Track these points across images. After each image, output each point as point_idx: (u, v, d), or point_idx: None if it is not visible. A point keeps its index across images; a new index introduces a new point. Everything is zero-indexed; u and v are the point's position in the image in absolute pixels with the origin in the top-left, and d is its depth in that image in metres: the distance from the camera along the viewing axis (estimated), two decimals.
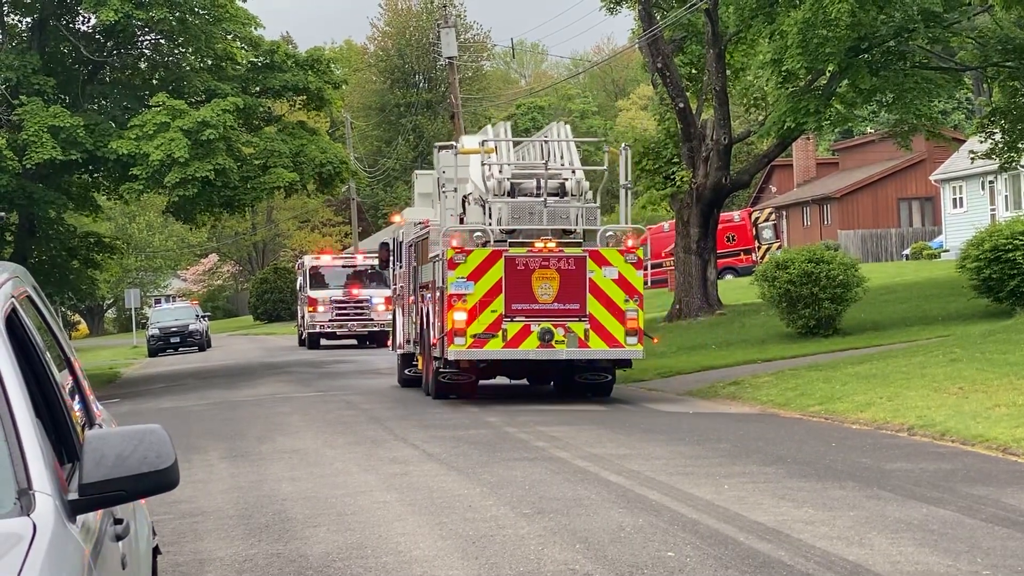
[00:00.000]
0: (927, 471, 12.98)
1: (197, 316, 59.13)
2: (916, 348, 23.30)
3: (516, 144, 25.82)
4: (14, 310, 4.41)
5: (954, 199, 56.11)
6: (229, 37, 37.55)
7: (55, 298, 43.28)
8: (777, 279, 28.69)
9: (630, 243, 22.07)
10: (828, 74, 33.54)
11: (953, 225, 54.66)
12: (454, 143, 25.16)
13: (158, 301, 75.45)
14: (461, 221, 23.10)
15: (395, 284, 30.27)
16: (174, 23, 36.11)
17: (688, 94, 38.44)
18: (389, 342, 32.50)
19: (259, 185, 36.25)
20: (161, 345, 56.91)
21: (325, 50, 43.51)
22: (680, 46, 39.68)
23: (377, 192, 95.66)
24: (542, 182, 22.39)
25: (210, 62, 37.41)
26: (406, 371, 27.19)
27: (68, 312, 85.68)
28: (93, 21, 37.02)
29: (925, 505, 11.02)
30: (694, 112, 37.95)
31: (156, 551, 6.21)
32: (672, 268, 44.29)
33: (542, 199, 22.25)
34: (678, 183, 37.09)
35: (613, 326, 21.54)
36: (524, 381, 25.02)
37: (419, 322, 25.16)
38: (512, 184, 22.63)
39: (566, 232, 22.28)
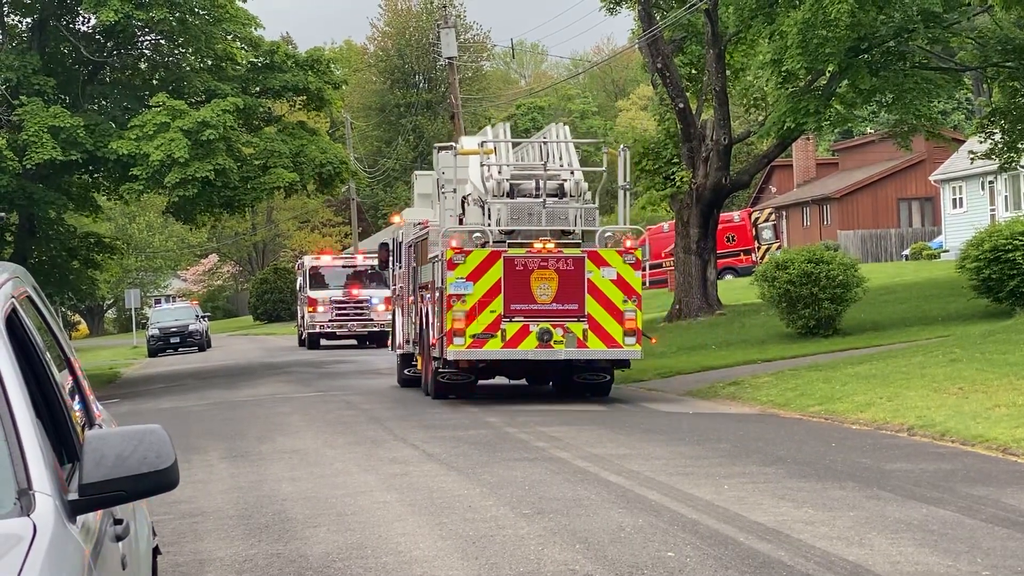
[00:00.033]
0: (927, 471, 12.98)
1: (197, 316, 59.13)
2: (916, 348, 23.30)
3: (515, 145, 25.85)
4: (14, 310, 4.41)
5: (954, 199, 56.12)
6: (229, 37, 37.55)
7: (55, 298, 43.28)
8: (777, 279, 28.69)
9: (628, 244, 22.13)
10: (828, 74, 33.54)
11: (953, 225, 54.67)
12: (454, 144, 25.18)
13: (158, 301, 75.41)
14: (460, 222, 23.14)
15: (395, 284, 30.29)
16: (174, 23, 36.11)
17: (688, 94, 38.44)
18: (389, 342, 32.52)
19: (259, 185, 36.26)
20: (161, 345, 56.90)
21: (325, 50, 43.52)
22: (680, 46, 39.68)
23: (377, 192, 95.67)
24: (541, 183, 22.43)
25: (210, 62, 37.41)
26: (405, 371, 27.22)
27: (68, 312, 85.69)
28: (93, 21, 37.03)
29: (925, 505, 11.02)
30: (694, 112, 37.95)
31: (156, 551, 6.21)
32: (672, 268, 44.30)
33: (541, 200, 22.28)
34: (678, 183, 37.09)
35: (612, 326, 21.57)
36: (523, 381, 25.04)
37: (418, 322, 25.19)
38: (511, 185, 22.68)
39: (565, 233, 22.30)
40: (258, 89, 38.03)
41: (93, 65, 37.36)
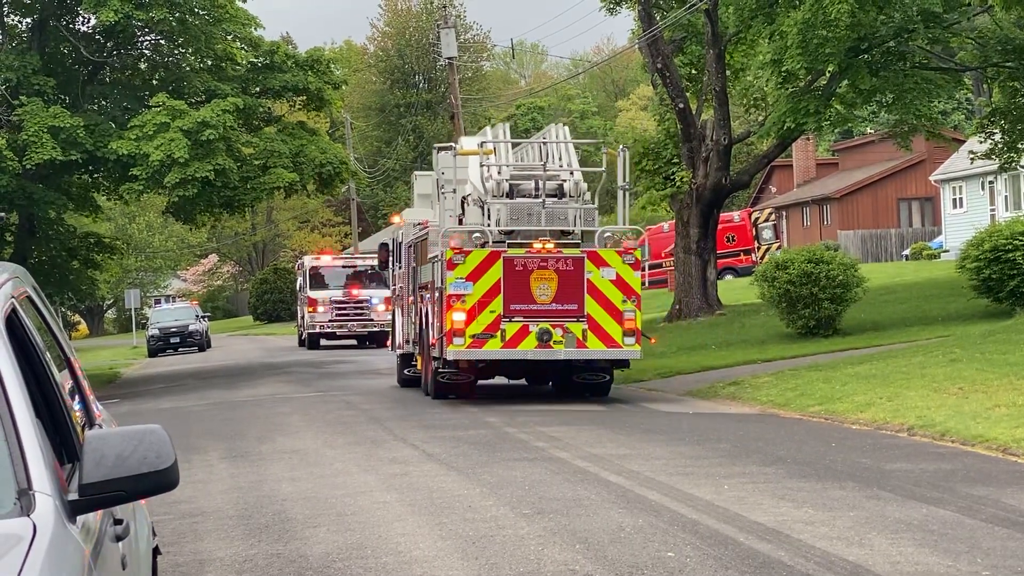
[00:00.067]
0: (927, 471, 12.98)
1: (197, 316, 59.13)
2: (916, 348, 23.30)
3: (515, 146, 25.87)
4: (14, 310, 4.41)
5: (954, 199, 56.12)
6: (229, 37, 37.56)
7: (55, 298, 43.28)
8: (777, 279, 28.69)
9: (628, 244, 22.14)
10: (828, 74, 33.54)
11: (953, 225, 54.67)
12: (453, 144, 25.20)
13: (158, 301, 75.43)
14: (460, 222, 23.16)
15: (394, 285, 30.31)
16: (174, 23, 36.11)
17: (688, 94, 38.44)
18: (388, 342, 32.53)
19: (259, 185, 36.26)
20: (161, 345, 56.90)
21: (325, 50, 43.52)
22: (680, 46, 39.67)
23: (377, 192, 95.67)
24: (540, 183, 22.44)
25: (210, 62, 37.42)
26: (405, 371, 27.24)
27: (68, 312, 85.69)
28: (93, 21, 37.04)
29: (925, 505, 11.02)
30: (694, 112, 37.95)
31: (156, 551, 6.21)
32: (672, 268, 44.29)
33: (540, 200, 22.29)
34: (678, 183, 37.09)
35: (611, 326, 21.59)
36: (522, 381, 25.05)
37: (418, 322, 25.20)
38: (511, 185, 22.70)
39: (564, 233, 22.32)
40: (258, 89, 38.04)
41: (93, 65, 37.36)
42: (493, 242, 22.03)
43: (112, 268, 51.79)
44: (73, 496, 3.86)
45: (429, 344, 23.67)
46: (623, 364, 22.53)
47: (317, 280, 50.19)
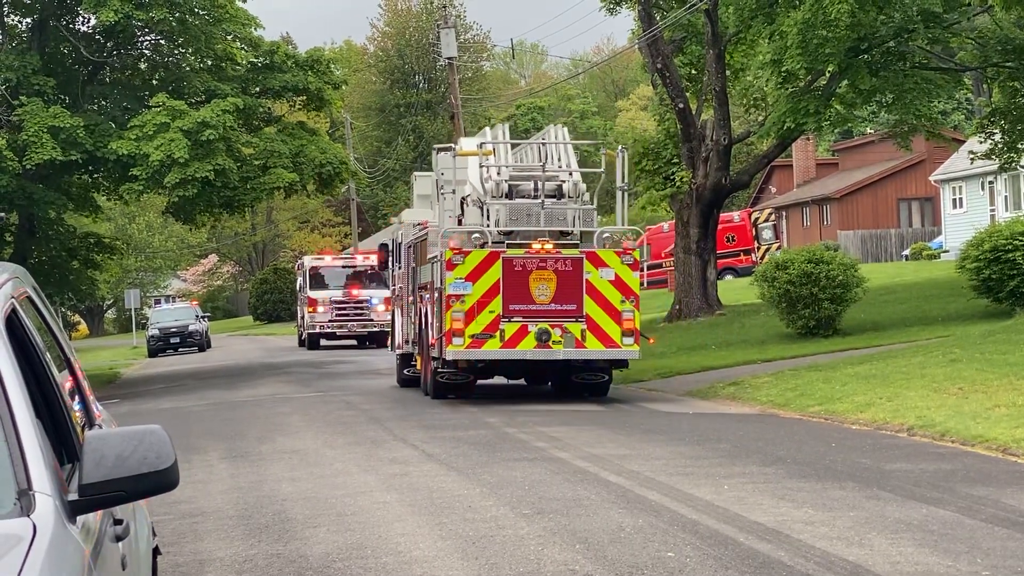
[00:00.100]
0: (927, 471, 12.98)
1: (197, 317, 59.13)
2: (916, 348, 23.30)
3: (514, 146, 25.90)
4: (14, 310, 4.41)
5: (954, 199, 56.12)
6: (229, 38, 37.55)
7: (55, 299, 43.28)
8: (777, 279, 28.69)
9: (626, 245, 22.17)
10: (828, 74, 33.54)
11: (953, 225, 54.66)
12: (453, 145, 25.23)
13: (158, 301, 75.46)
14: (459, 223, 23.18)
15: (394, 285, 30.34)
16: (174, 24, 36.11)
17: (688, 94, 38.44)
18: (388, 342, 32.56)
19: (259, 185, 36.26)
20: (161, 345, 56.90)
21: (325, 50, 43.53)
22: (680, 46, 39.67)
23: (377, 193, 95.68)
24: (539, 184, 22.48)
25: (210, 63, 37.42)
26: (405, 371, 27.28)
27: (68, 312, 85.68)
28: (93, 21, 37.04)
29: (925, 506, 11.02)
30: (694, 112, 37.95)
31: (156, 552, 6.21)
32: (672, 268, 44.29)
33: (539, 201, 22.32)
34: (678, 183, 37.09)
35: (610, 327, 21.62)
36: (521, 381, 25.07)
37: (418, 322, 25.24)
38: (510, 186, 22.74)
39: (563, 234, 22.35)
40: (258, 89, 38.04)
41: (93, 65, 37.36)
42: (492, 243, 22.05)
43: (112, 268, 51.78)
44: (73, 496, 3.86)
45: (428, 344, 23.70)
46: (622, 364, 22.56)
47: (317, 280, 50.20)
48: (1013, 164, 35.75)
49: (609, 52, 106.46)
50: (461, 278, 21.63)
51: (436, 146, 25.88)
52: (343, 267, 51.58)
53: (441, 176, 23.99)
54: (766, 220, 64.32)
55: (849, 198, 65.70)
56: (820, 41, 29.89)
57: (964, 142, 50.89)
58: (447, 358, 21.98)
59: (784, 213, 69.38)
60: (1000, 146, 34.58)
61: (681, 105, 37.23)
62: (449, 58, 50.20)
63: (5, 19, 37.37)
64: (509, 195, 22.63)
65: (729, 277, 55.58)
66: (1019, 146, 34.16)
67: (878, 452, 14.58)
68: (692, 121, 37.39)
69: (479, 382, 23.59)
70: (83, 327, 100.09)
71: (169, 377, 39.31)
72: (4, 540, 3.46)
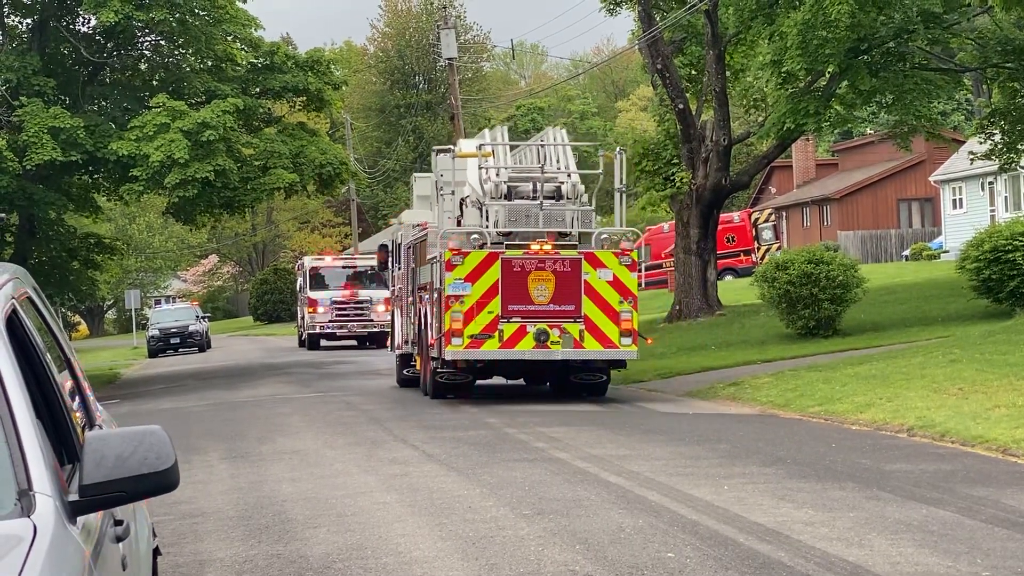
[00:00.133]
0: (927, 472, 12.98)
1: (197, 317, 59.15)
2: (916, 349, 23.30)
3: (513, 148, 25.96)
4: (14, 311, 4.42)
5: (954, 200, 56.12)
6: (229, 38, 37.56)
7: (55, 299, 43.28)
8: (777, 280, 28.70)
9: (624, 246, 22.21)
10: (828, 75, 33.54)
11: (953, 226, 54.66)
12: (452, 146, 25.26)
13: (158, 302, 75.49)
14: (459, 224, 23.23)
15: (394, 285, 30.39)
16: (174, 24, 36.12)
17: (688, 95, 38.44)
18: (388, 343, 32.60)
19: (259, 186, 36.26)
20: (161, 346, 56.91)
21: (325, 51, 43.53)
22: (680, 47, 39.68)
23: (377, 193, 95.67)
24: (538, 185, 22.55)
25: (210, 63, 37.42)
26: (404, 371, 27.33)
27: (68, 313, 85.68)
28: (93, 22, 37.04)
29: (925, 506, 11.02)
30: (694, 113, 37.95)
31: (156, 552, 6.21)
32: (672, 269, 44.29)
33: (538, 202, 22.37)
34: (678, 184, 37.09)
35: (608, 327, 21.67)
36: (520, 381, 25.10)
37: (417, 323, 25.28)
38: (509, 187, 22.81)
39: (562, 235, 22.40)
40: (258, 90, 38.05)
41: (93, 66, 37.37)
42: (491, 243, 22.11)
43: (112, 269, 51.79)
44: (73, 497, 3.86)
45: (428, 344, 23.75)
46: (620, 364, 22.61)
47: (317, 281, 50.22)
48: (1013, 164, 35.74)
49: (609, 53, 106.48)
50: (460, 279, 21.67)
51: (435, 147, 25.92)
52: (343, 267, 51.61)
53: (440, 177, 24.03)
54: (766, 220, 64.33)
55: (849, 198, 65.70)
56: (820, 42, 29.89)
57: (964, 142, 50.88)
58: (446, 358, 22.03)
59: (784, 213, 69.38)
60: (1000, 146, 34.58)
61: (681, 106, 37.24)
62: (449, 59, 50.21)
63: (5, 20, 37.37)
64: (508, 196, 22.69)
65: (729, 277, 55.59)
66: (1019, 146, 34.16)
67: (878, 453, 14.58)
68: (692, 122, 37.39)
69: (478, 382, 23.63)
70: (83, 327, 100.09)
71: (169, 377, 39.31)
72: (4, 541, 3.46)
